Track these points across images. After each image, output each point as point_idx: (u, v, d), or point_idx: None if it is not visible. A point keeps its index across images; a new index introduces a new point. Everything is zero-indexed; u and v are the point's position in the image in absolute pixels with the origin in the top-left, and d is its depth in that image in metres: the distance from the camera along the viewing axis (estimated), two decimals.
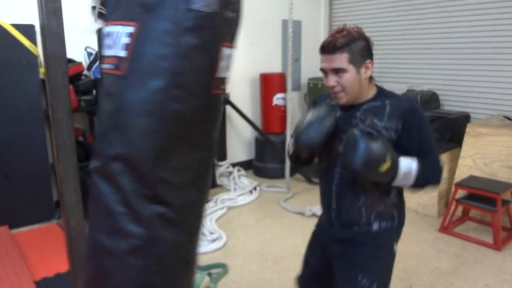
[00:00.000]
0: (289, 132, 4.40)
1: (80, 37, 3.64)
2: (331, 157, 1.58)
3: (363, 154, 1.37)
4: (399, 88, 4.55)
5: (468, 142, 3.72)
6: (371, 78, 1.54)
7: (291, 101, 4.49)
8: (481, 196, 3.30)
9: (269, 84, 5.00)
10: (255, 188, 4.47)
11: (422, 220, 3.70)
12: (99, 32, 2.88)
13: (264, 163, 5.01)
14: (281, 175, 4.67)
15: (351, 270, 1.56)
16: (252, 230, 3.52)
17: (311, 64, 5.87)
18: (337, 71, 1.46)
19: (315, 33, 5.83)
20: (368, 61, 1.48)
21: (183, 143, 1.03)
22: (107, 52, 1.04)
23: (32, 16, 3.40)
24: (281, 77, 5.02)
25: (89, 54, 3.76)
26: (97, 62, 3.65)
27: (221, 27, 1.01)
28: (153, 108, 0.98)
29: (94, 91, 3.53)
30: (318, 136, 1.49)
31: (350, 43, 1.43)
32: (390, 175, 1.41)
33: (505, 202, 3.26)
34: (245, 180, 4.65)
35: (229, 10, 1.02)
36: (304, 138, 1.51)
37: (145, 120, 0.98)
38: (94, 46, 3.74)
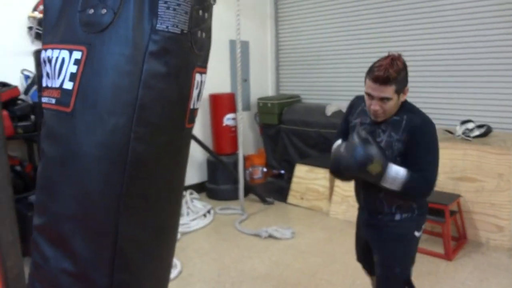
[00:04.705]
0: (241, 152, 4.34)
1: (16, 59, 3.41)
2: None
3: (354, 154, 1.65)
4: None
5: None
6: None
7: (242, 121, 4.45)
8: (430, 208, 3.39)
9: (219, 104, 4.95)
10: (208, 212, 4.34)
11: None
12: (36, 54, 2.69)
13: (217, 184, 4.90)
14: (234, 197, 4.59)
15: (380, 254, 1.89)
16: (207, 256, 3.39)
17: (260, 84, 5.91)
18: (383, 99, 1.67)
19: (262, 53, 5.90)
20: (406, 87, 1.72)
21: (149, 190, 0.85)
22: (48, 83, 0.84)
23: None
24: (231, 97, 4.98)
25: (26, 77, 3.51)
26: (35, 86, 3.42)
27: (192, 50, 0.84)
28: (112, 152, 0.78)
29: (32, 117, 3.29)
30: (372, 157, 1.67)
31: (398, 76, 1.64)
32: (379, 177, 1.66)
33: (452, 213, 3.39)
34: (198, 204, 4.51)
35: (200, 29, 0.86)
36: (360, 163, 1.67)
37: (103, 167, 0.78)
38: (31, 69, 3.51)
